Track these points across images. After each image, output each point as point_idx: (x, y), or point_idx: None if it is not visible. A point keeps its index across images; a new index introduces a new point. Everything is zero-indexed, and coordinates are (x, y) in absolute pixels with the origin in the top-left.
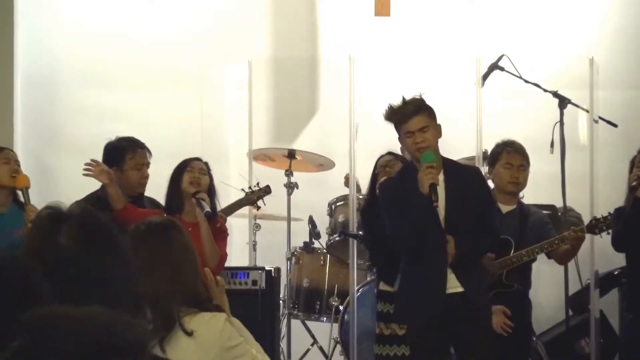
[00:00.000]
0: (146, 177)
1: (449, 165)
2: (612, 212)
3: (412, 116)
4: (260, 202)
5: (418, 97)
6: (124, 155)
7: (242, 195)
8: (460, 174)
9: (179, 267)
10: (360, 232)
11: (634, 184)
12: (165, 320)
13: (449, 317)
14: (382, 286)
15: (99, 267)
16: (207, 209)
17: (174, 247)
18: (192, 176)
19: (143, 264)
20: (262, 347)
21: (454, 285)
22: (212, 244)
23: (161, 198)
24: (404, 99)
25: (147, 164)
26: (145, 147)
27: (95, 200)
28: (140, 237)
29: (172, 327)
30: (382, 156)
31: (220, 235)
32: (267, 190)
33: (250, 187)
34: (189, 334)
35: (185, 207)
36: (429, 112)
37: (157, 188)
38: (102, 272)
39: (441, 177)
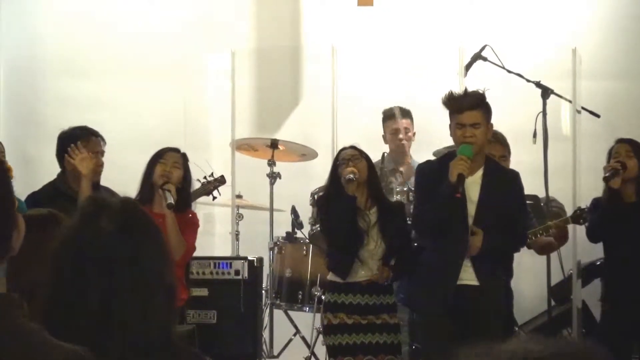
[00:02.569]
0: (100, 165)
1: (490, 165)
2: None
3: (468, 109)
4: (215, 192)
5: (481, 92)
6: (76, 143)
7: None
8: (499, 175)
9: None
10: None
11: (607, 174)
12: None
13: (460, 308)
14: (331, 277)
15: (137, 253)
16: (170, 200)
17: (52, 241)
18: (162, 169)
19: (20, 258)
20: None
21: (468, 278)
22: (177, 235)
23: None
24: (466, 89)
25: (101, 153)
26: (99, 135)
27: (50, 189)
28: None
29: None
30: (344, 149)
31: (190, 227)
32: (221, 180)
33: (205, 177)
34: None
35: (155, 198)
36: (486, 110)
37: (139, 177)
38: (140, 259)
39: (480, 173)
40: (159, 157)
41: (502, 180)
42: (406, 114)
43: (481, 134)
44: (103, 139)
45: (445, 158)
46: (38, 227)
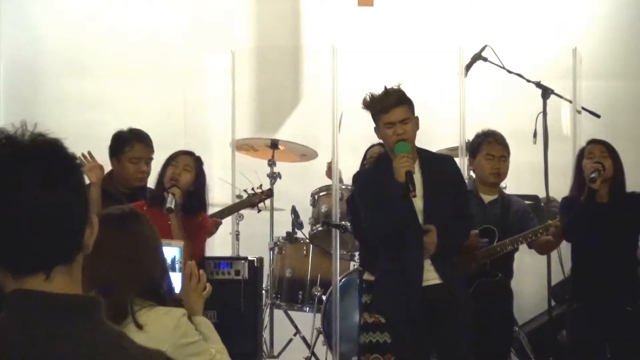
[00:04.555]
0: (143, 171)
1: (424, 156)
2: None
3: (394, 107)
4: (261, 205)
5: (398, 88)
6: (124, 146)
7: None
8: (435, 164)
9: (134, 257)
10: (343, 222)
11: (593, 175)
12: (118, 311)
13: (428, 309)
14: (366, 276)
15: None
16: (169, 205)
17: (130, 236)
18: (173, 172)
19: (97, 253)
20: (223, 346)
21: (432, 277)
22: (180, 238)
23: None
24: (385, 88)
25: (147, 159)
26: (146, 142)
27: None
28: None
29: (124, 318)
30: (372, 146)
31: (199, 231)
32: (269, 194)
33: (253, 189)
34: (139, 327)
35: None
36: (409, 104)
37: None
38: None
39: (417, 167)
40: (171, 159)
41: (438, 167)
42: None
43: (411, 128)
44: (151, 146)
45: (379, 162)
46: (113, 223)
